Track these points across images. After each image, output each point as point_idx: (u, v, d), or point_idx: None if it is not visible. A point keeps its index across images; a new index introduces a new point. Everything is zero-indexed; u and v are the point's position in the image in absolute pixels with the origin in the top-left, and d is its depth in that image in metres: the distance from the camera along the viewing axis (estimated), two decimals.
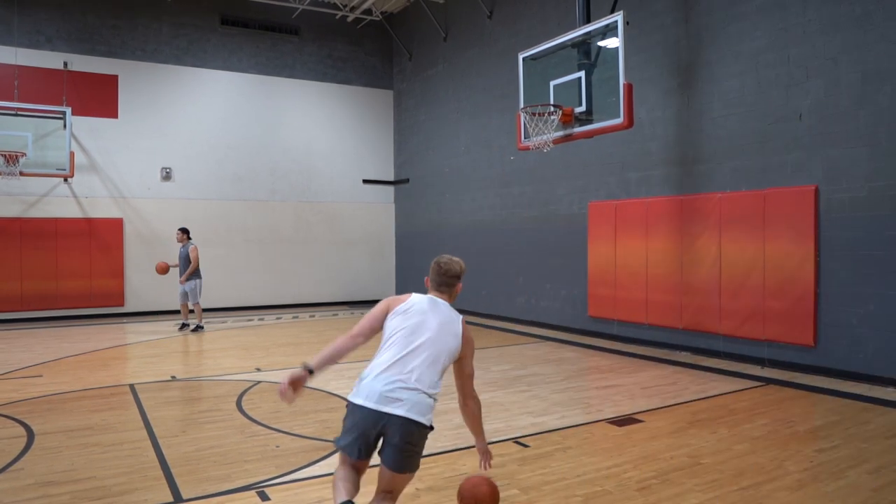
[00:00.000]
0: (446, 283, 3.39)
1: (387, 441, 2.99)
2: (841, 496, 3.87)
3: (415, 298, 3.30)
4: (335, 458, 4.54)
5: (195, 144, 14.46)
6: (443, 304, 3.30)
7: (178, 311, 14.09)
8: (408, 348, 3.06)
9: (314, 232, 15.83)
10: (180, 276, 11.36)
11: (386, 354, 3.07)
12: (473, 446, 4.77)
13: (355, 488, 3.03)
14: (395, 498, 3.08)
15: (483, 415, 5.66)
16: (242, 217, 14.98)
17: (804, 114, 7.47)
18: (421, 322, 3.15)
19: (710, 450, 4.75)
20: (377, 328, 3.24)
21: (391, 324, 3.19)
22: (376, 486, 3.08)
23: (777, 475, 4.22)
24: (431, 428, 3.05)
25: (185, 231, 11.54)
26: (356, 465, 3.08)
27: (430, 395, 3.02)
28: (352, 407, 3.04)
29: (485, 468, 3.51)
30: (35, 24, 12.99)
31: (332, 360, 3.14)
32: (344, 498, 2.93)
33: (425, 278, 3.48)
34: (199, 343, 10.11)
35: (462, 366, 3.27)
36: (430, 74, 15.17)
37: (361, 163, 16.46)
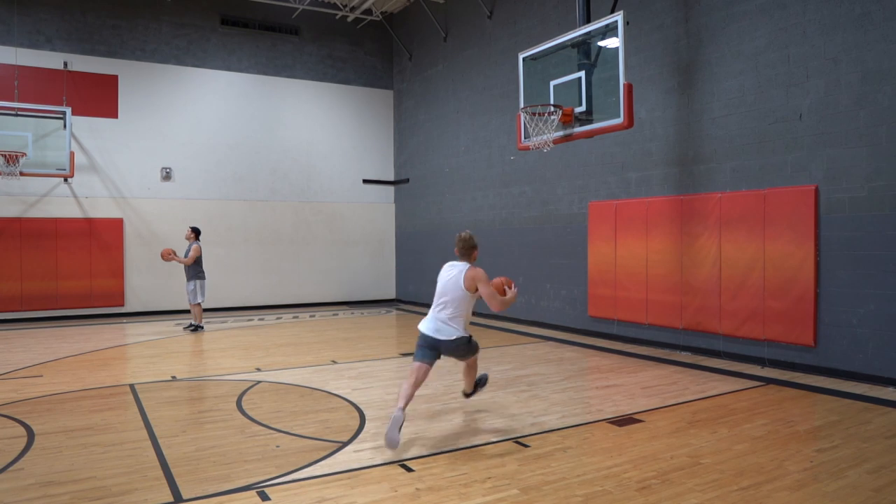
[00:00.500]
0: (463, 252, 5.22)
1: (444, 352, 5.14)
2: (841, 496, 3.87)
3: (444, 267, 5.26)
4: (335, 458, 4.56)
5: (195, 144, 14.47)
6: (458, 265, 5.15)
7: (178, 311, 14.17)
8: (436, 301, 5.16)
9: (314, 232, 15.83)
10: (186, 274, 11.35)
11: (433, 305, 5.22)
12: (473, 446, 4.80)
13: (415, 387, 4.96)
14: (471, 364, 5.50)
15: (483, 414, 5.70)
16: (242, 217, 14.99)
17: (804, 114, 7.47)
18: (442, 282, 5.16)
19: (711, 450, 4.75)
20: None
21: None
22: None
23: (777, 475, 4.22)
24: (466, 336, 5.09)
25: (194, 230, 11.51)
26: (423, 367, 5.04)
27: (452, 325, 5.04)
28: (420, 333, 5.17)
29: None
30: (35, 24, 12.99)
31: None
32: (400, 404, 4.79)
33: (455, 249, 5.23)
34: (199, 343, 10.11)
35: (481, 292, 5.01)
36: (430, 74, 15.17)
37: (361, 163, 16.47)
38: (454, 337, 5.00)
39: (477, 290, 5.00)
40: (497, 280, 5.10)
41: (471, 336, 5.17)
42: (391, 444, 4.57)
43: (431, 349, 5.04)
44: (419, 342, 5.09)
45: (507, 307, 5.11)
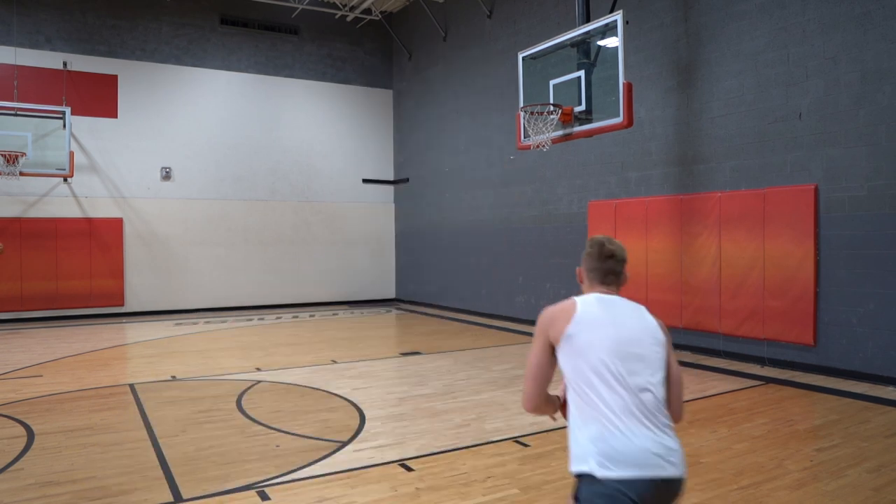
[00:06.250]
0: (614, 272, 2.33)
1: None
2: (841, 495, 3.87)
3: (586, 308, 2.21)
4: (335, 458, 4.56)
5: (195, 144, 14.46)
6: (626, 301, 2.29)
7: (178, 311, 14.18)
8: (619, 373, 2.08)
9: (314, 232, 15.83)
10: None
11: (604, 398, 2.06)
12: (473, 446, 4.79)
13: None
14: None
15: (483, 414, 5.70)
16: (242, 217, 14.98)
17: (804, 113, 7.47)
18: (624, 329, 2.16)
19: (710, 449, 4.75)
20: (550, 371, 2.26)
21: (570, 356, 2.15)
22: None
23: (777, 474, 4.22)
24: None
25: None
26: None
27: (671, 433, 2.10)
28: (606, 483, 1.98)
29: None
30: (35, 24, 12.99)
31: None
32: None
33: (577, 270, 2.45)
34: (199, 343, 10.11)
35: (671, 373, 2.23)
36: (429, 74, 15.17)
37: (361, 162, 16.46)
38: (683, 472, 2.06)
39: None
40: None
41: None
42: None
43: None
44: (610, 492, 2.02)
45: None
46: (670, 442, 2.03)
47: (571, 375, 2.14)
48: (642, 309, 2.28)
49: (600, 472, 1.96)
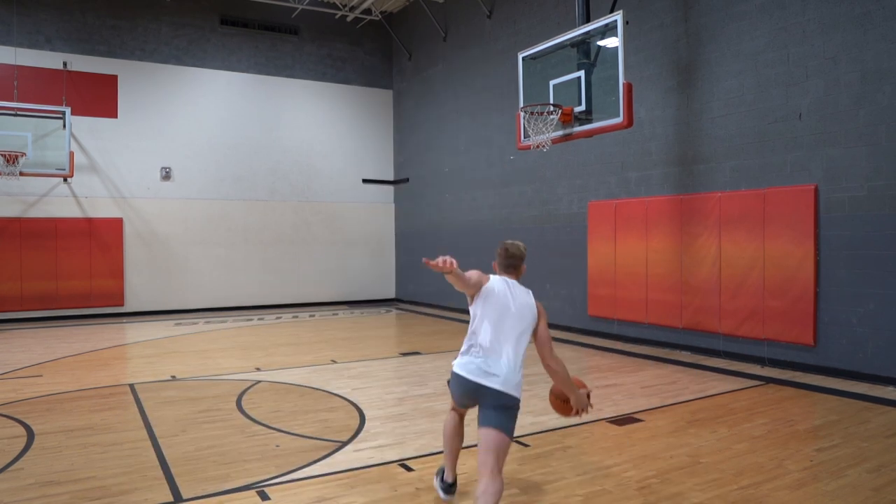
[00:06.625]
0: (513, 266, 3.71)
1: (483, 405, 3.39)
2: (841, 495, 3.87)
3: (495, 282, 3.55)
4: (335, 458, 4.56)
5: (195, 144, 14.46)
6: (514, 283, 3.63)
7: (178, 311, 14.18)
8: (496, 329, 3.42)
9: (314, 232, 15.83)
10: None
11: (482, 336, 3.44)
12: (473, 446, 4.79)
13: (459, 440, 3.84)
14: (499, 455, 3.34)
15: None
16: (242, 217, 14.98)
17: (804, 113, 7.47)
18: (504, 303, 3.47)
19: (710, 449, 4.75)
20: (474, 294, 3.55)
21: (481, 308, 3.49)
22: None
23: (777, 474, 4.22)
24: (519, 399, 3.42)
25: None
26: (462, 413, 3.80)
27: (518, 372, 3.40)
28: (455, 376, 3.51)
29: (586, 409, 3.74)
30: (35, 24, 12.99)
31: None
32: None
33: (493, 263, 3.79)
34: (199, 343, 10.11)
35: (539, 330, 3.55)
36: (429, 74, 15.17)
37: (361, 162, 16.46)
38: (513, 392, 3.33)
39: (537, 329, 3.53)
40: (575, 377, 3.77)
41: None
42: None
43: (471, 398, 3.45)
44: (456, 390, 3.52)
45: (564, 386, 3.64)
46: (497, 369, 3.33)
47: (474, 315, 3.50)
48: (529, 292, 3.61)
49: (455, 370, 3.49)
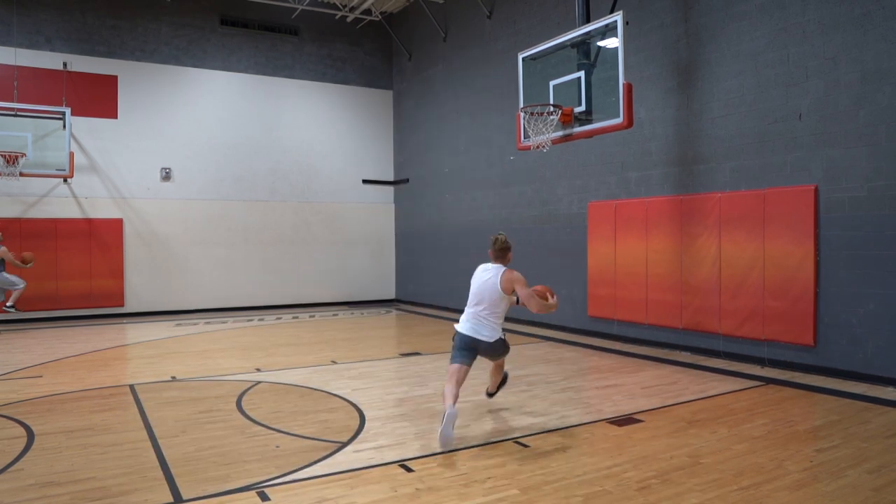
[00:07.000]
0: (498, 254, 5.34)
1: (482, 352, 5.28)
2: (841, 496, 3.87)
3: (477, 270, 5.40)
4: (335, 458, 4.56)
5: (195, 144, 14.46)
6: (493, 268, 5.30)
7: (178, 312, 14.19)
8: (472, 302, 5.30)
9: (314, 232, 15.83)
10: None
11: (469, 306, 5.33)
12: (472, 446, 4.79)
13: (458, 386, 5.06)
14: (500, 365, 5.72)
15: (483, 414, 5.70)
16: (242, 217, 14.99)
17: (804, 113, 7.47)
18: (477, 285, 5.31)
19: (710, 449, 4.75)
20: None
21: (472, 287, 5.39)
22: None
23: (777, 475, 4.22)
24: (503, 337, 5.29)
25: None
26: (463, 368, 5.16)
27: (491, 325, 5.20)
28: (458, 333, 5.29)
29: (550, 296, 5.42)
30: (35, 25, 12.99)
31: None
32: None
33: (489, 251, 5.36)
34: (199, 343, 10.11)
35: (518, 293, 5.19)
36: (429, 74, 15.17)
37: (361, 163, 16.47)
38: (494, 339, 5.18)
39: (513, 291, 5.15)
40: (539, 287, 5.38)
41: (505, 337, 5.33)
42: (446, 442, 4.65)
43: (469, 350, 5.16)
44: (457, 344, 5.20)
45: (546, 312, 5.25)
46: (482, 329, 5.18)
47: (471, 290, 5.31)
48: (503, 270, 5.23)
49: (456, 328, 5.30)
